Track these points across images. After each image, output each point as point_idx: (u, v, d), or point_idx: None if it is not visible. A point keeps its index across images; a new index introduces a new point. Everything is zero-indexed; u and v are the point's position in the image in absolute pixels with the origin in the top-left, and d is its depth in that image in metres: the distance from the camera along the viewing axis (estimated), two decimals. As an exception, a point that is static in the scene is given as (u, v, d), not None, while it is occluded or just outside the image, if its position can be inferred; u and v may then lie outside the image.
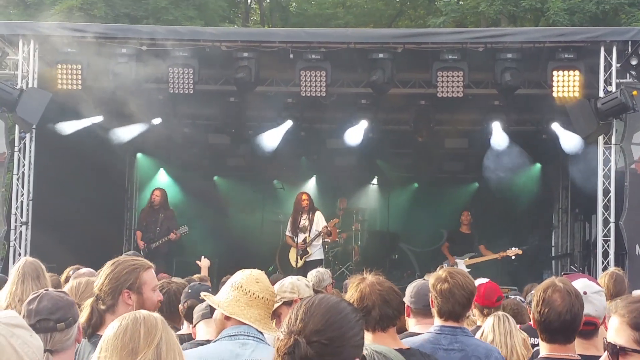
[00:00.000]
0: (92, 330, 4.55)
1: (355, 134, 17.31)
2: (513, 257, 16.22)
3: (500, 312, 6.07)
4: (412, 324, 5.57)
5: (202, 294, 4.77)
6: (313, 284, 7.36)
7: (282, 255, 17.06)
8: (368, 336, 4.48)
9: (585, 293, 4.42)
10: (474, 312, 6.84)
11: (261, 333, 4.31)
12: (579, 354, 4.25)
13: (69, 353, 3.85)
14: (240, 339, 4.17)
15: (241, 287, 4.34)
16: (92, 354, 4.35)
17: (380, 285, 4.58)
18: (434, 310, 5.07)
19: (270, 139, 17.77)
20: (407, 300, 5.48)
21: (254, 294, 4.32)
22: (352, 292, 4.60)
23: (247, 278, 4.39)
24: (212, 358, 4.13)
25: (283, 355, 2.56)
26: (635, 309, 2.92)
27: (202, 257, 11.81)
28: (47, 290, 4.03)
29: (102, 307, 4.58)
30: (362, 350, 2.63)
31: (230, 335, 4.21)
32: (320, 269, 8.94)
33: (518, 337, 5.87)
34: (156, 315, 3.15)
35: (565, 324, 4.20)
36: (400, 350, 4.42)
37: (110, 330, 3.08)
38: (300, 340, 2.55)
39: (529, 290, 9.23)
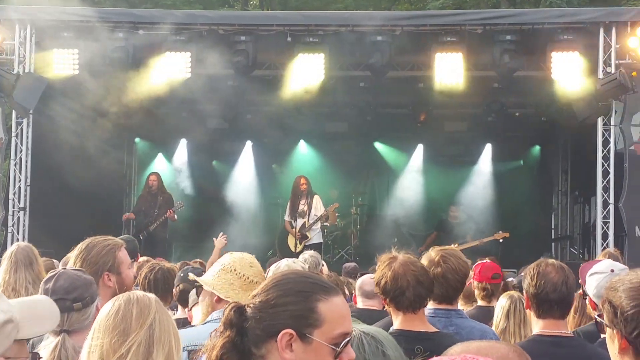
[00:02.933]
0: None
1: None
2: (501, 240, 16.14)
3: (516, 295, 5.90)
4: None
5: (190, 275, 4.71)
6: (309, 267, 7.33)
7: (281, 239, 17.03)
8: (398, 317, 4.42)
9: (612, 271, 4.45)
10: (475, 292, 6.77)
11: None
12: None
13: (87, 333, 3.80)
14: None
15: (234, 270, 4.26)
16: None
17: (414, 265, 4.43)
18: None
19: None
20: None
21: (247, 277, 4.24)
22: (384, 270, 4.43)
23: (240, 262, 4.31)
24: (205, 340, 4.08)
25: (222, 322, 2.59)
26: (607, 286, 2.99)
27: (221, 234, 11.13)
28: (65, 268, 3.98)
29: None
30: (305, 321, 2.50)
31: None
32: (312, 252, 8.78)
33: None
34: (151, 295, 3.11)
35: (562, 295, 4.25)
36: (427, 334, 4.37)
37: (104, 311, 3.05)
38: (235, 304, 2.56)
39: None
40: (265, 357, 2.49)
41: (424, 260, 4.84)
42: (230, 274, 4.26)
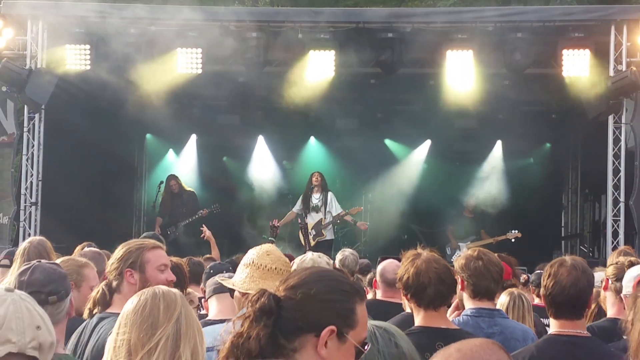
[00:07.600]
0: (102, 308, 4.60)
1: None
2: (513, 240, 16.19)
3: (516, 291, 5.96)
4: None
5: (219, 277, 4.76)
6: (348, 264, 7.40)
7: (291, 233, 17.04)
8: (419, 313, 4.44)
9: None
10: None
11: None
12: None
13: (60, 327, 3.79)
14: None
15: (253, 262, 4.30)
16: (99, 327, 4.37)
17: (437, 263, 4.45)
18: (467, 292, 4.90)
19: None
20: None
21: (266, 266, 4.26)
22: (407, 266, 4.45)
23: (258, 253, 4.35)
24: None
25: (248, 303, 2.56)
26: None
27: (204, 226, 11.85)
28: (40, 261, 3.98)
29: (111, 287, 4.66)
30: (345, 321, 2.55)
31: None
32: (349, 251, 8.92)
33: (530, 321, 5.82)
34: (175, 290, 3.14)
35: (570, 297, 4.22)
36: (448, 330, 4.37)
37: (129, 306, 3.05)
38: (268, 291, 2.53)
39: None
40: (298, 350, 2.51)
41: (461, 259, 4.86)
42: (249, 267, 4.30)
